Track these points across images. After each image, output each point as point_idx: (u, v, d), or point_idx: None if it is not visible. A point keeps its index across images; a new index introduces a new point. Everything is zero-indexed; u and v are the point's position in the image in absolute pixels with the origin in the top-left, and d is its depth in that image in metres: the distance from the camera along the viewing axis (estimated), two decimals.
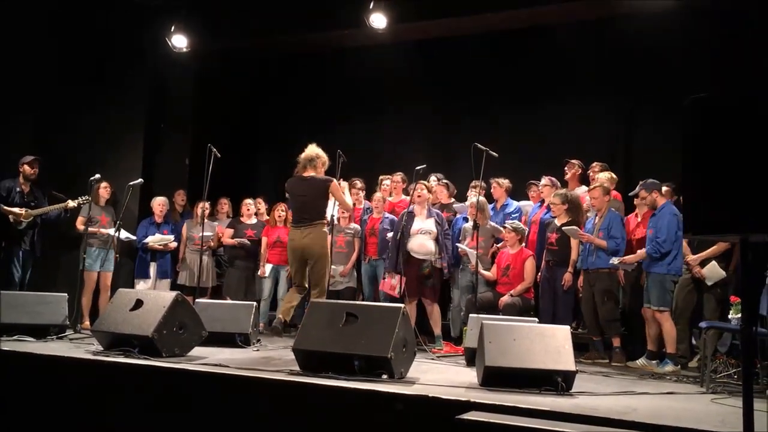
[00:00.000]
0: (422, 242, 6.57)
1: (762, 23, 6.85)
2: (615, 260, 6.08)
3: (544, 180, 7.19)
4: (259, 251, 7.85)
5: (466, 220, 7.15)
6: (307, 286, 5.78)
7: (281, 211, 7.82)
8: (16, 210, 6.92)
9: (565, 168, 7.30)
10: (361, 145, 9.04)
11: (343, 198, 5.91)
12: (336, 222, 7.09)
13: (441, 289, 6.83)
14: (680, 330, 5.89)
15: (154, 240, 7.77)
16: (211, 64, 9.14)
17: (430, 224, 6.62)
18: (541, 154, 8.19)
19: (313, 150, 5.82)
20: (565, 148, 7.64)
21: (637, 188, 6.35)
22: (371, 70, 9.02)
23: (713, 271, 5.73)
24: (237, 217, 8.18)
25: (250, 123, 10.15)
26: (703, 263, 5.85)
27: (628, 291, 6.47)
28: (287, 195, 5.89)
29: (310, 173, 5.73)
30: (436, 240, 6.58)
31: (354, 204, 7.81)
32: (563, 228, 6.37)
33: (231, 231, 7.94)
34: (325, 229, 5.75)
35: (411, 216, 6.71)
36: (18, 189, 7.09)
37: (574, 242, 6.46)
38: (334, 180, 5.80)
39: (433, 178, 7.69)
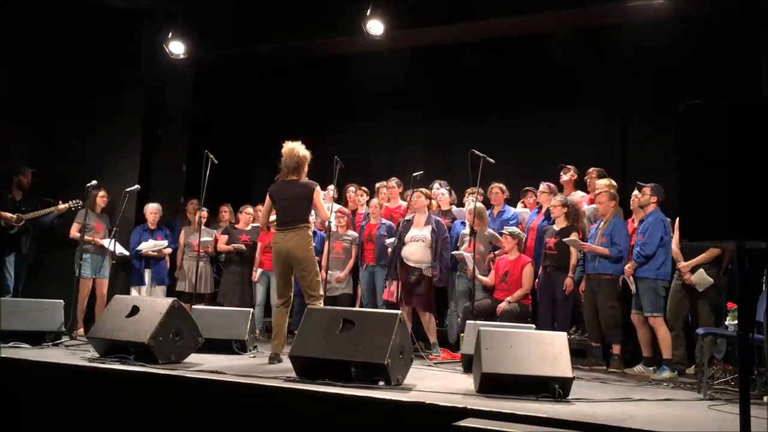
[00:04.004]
0: (415, 250, 6.58)
1: (753, 30, 6.86)
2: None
3: (542, 186, 7.20)
4: (254, 256, 7.85)
5: (464, 225, 7.15)
6: (291, 295, 5.52)
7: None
8: (7, 214, 6.90)
9: (561, 173, 7.30)
10: (357, 152, 9.05)
11: (322, 206, 5.62)
12: (334, 229, 7.08)
13: (436, 296, 6.81)
14: (676, 337, 5.88)
15: (147, 246, 7.74)
16: (208, 71, 9.13)
17: (426, 232, 6.62)
18: (537, 161, 8.22)
19: (295, 153, 5.51)
20: (561, 155, 7.65)
21: (645, 186, 6.21)
22: (368, 77, 9.02)
23: (701, 278, 5.72)
24: (232, 224, 8.17)
25: (247, 129, 10.14)
26: (695, 269, 5.84)
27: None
28: (269, 199, 5.59)
29: (293, 177, 5.52)
30: (431, 248, 6.57)
31: (356, 209, 7.84)
32: (564, 240, 6.38)
33: (226, 237, 7.94)
34: (309, 232, 5.50)
35: (409, 223, 6.73)
36: (9, 196, 7.08)
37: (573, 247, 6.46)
38: (318, 186, 5.56)
39: (436, 184, 7.68)
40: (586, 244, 6.26)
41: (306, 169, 5.58)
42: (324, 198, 6.45)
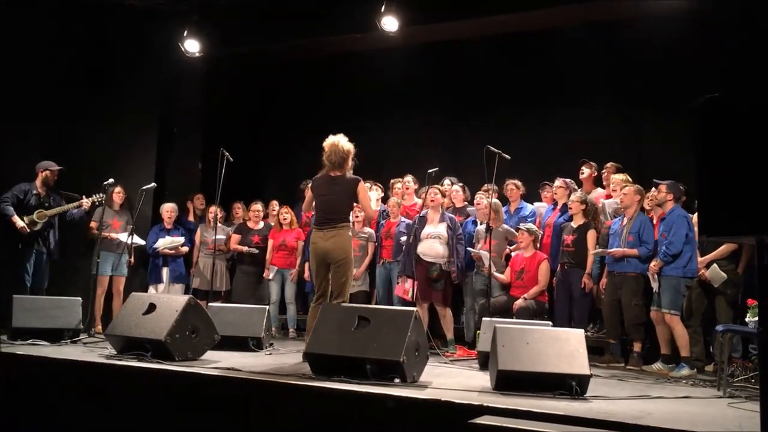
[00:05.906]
0: (431, 245, 6.58)
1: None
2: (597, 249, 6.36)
3: (558, 182, 7.14)
4: (266, 256, 7.86)
5: (475, 223, 7.11)
6: (329, 292, 5.36)
7: (285, 214, 7.83)
8: (20, 223, 6.85)
9: (583, 167, 7.25)
10: (370, 149, 8.92)
11: (368, 202, 5.51)
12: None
13: (453, 293, 6.79)
14: (693, 333, 5.83)
15: (164, 243, 7.77)
16: (220, 69, 9.15)
17: (441, 228, 6.61)
18: (551, 157, 8.18)
19: (340, 148, 5.33)
20: (575, 151, 7.60)
21: (662, 184, 6.13)
22: (381, 74, 9.01)
23: (715, 273, 5.66)
24: (245, 221, 8.18)
25: (260, 127, 10.15)
26: (710, 265, 5.78)
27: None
28: (311, 194, 5.47)
29: (337, 173, 5.36)
30: (447, 244, 6.55)
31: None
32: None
33: (238, 237, 7.93)
34: (350, 232, 5.39)
35: (423, 220, 6.72)
36: (35, 192, 7.10)
37: (590, 244, 6.41)
38: (361, 181, 5.42)
39: (447, 181, 7.66)
40: (616, 250, 6.17)
41: (350, 163, 5.43)
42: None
